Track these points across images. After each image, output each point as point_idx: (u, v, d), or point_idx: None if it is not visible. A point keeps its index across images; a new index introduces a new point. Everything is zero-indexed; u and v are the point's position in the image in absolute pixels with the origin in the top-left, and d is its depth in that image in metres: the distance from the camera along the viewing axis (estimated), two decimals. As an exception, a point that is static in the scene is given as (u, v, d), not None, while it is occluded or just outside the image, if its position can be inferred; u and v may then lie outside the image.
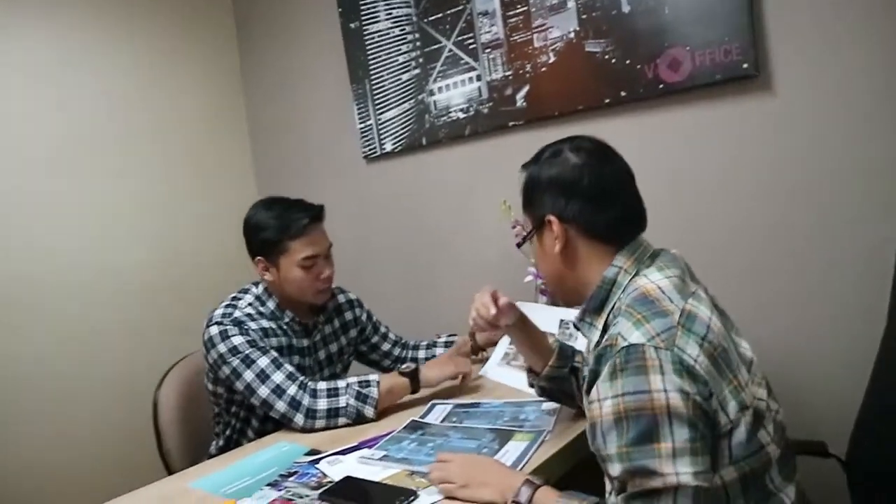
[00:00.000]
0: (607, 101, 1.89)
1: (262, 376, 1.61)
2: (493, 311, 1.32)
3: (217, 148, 2.93)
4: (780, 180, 1.68)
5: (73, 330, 2.43)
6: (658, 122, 1.84)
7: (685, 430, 0.88)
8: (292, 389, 1.60)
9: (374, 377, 1.65)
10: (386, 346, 2.04)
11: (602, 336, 1.07)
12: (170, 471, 1.83)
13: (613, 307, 1.06)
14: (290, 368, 1.64)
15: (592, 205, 1.09)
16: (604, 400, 0.93)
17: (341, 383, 1.63)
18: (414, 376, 1.69)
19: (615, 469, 0.92)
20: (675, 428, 0.88)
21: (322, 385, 1.63)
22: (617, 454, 0.91)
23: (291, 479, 1.34)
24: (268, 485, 1.32)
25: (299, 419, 1.59)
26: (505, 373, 1.83)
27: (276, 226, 1.70)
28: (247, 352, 1.63)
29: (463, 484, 1.16)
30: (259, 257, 1.73)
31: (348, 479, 1.27)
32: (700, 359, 0.92)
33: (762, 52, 1.64)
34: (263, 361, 1.62)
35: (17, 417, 2.28)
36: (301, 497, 1.25)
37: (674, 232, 1.82)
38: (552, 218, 1.11)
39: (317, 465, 1.39)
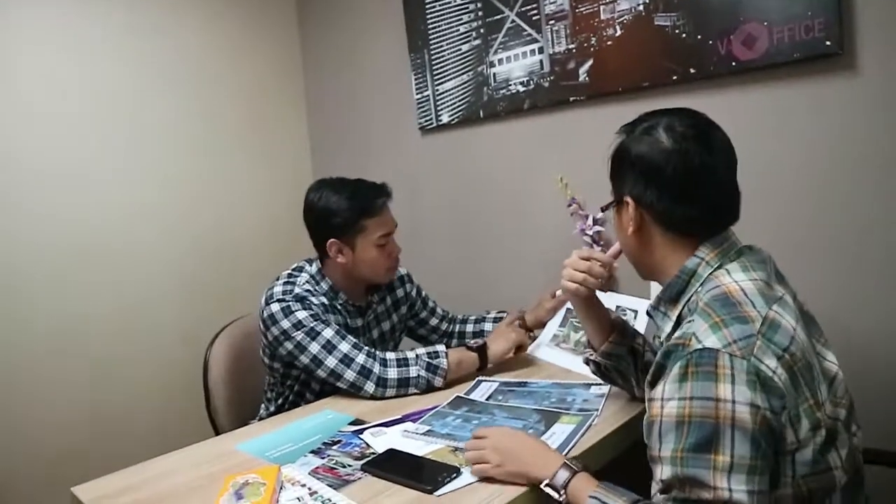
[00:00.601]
0: (675, 77, 1.81)
1: (329, 346, 1.61)
2: (607, 256, 1.24)
3: (274, 119, 2.94)
4: (865, 168, 1.56)
5: (132, 290, 2.50)
6: (729, 103, 1.74)
7: (747, 445, 0.84)
8: (361, 358, 1.60)
9: (441, 347, 1.67)
10: (434, 321, 2.03)
11: (675, 329, 1.03)
12: (216, 428, 1.87)
13: (690, 300, 1.02)
14: (353, 339, 1.64)
15: (673, 196, 1.03)
16: (668, 400, 0.90)
17: (410, 354, 1.64)
18: (482, 352, 1.69)
19: (666, 472, 0.88)
20: (736, 441, 0.85)
21: (391, 355, 1.63)
22: (671, 457, 0.88)
23: (335, 447, 1.35)
24: (311, 451, 1.33)
25: (370, 387, 1.59)
26: (554, 354, 1.80)
27: (353, 206, 1.69)
28: (311, 325, 1.63)
29: (497, 463, 1.12)
30: (333, 239, 1.71)
31: (391, 452, 1.27)
32: (779, 371, 0.88)
33: (847, 28, 1.53)
34: (329, 332, 1.62)
35: (79, 368, 2.36)
36: (344, 466, 1.25)
37: (748, 223, 1.75)
38: (629, 200, 1.08)
39: (360, 436, 1.39)
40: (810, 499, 0.90)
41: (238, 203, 2.81)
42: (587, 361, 1.41)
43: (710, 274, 1.01)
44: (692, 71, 1.77)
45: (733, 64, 1.70)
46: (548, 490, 1.05)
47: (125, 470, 1.33)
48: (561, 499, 1.03)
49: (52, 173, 2.31)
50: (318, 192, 1.73)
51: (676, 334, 0.97)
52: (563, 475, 1.05)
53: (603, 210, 1.17)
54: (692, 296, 1.01)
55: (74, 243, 2.36)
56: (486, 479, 1.13)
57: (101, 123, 2.43)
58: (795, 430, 0.88)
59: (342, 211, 1.69)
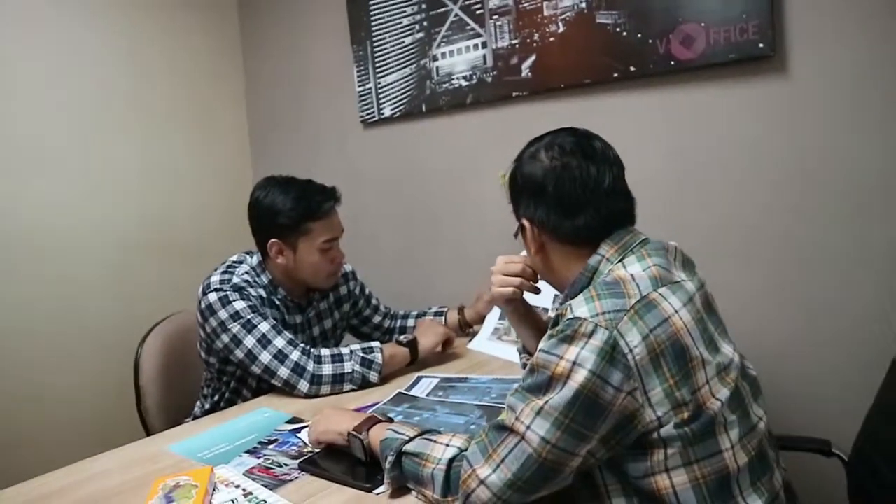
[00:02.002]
0: (615, 75, 1.83)
1: (264, 341, 1.56)
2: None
3: (211, 105, 2.85)
4: (791, 167, 1.62)
5: (58, 282, 2.38)
6: (667, 100, 1.78)
7: (565, 402, 0.91)
8: (295, 355, 1.56)
9: (375, 343, 1.65)
10: (377, 319, 2.01)
11: None
12: (147, 429, 1.81)
13: None
14: (289, 335, 1.60)
15: (558, 211, 1.08)
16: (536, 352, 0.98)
17: (345, 350, 1.61)
18: (413, 346, 1.69)
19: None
20: (558, 395, 0.91)
21: (325, 351, 1.60)
22: (514, 389, 0.98)
23: (271, 446, 1.31)
24: (247, 451, 1.29)
25: (303, 385, 1.55)
26: (495, 347, 1.81)
27: (299, 207, 1.63)
28: (248, 317, 1.58)
29: (322, 430, 1.23)
30: (274, 239, 1.65)
31: (329, 450, 1.24)
32: (637, 349, 0.91)
33: (779, 32, 1.58)
34: (265, 326, 1.58)
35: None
36: (280, 466, 1.22)
37: (675, 215, 1.79)
38: (525, 222, 1.13)
39: (298, 434, 1.36)
40: (711, 482, 0.94)
41: (171, 192, 2.71)
42: (524, 366, 1.43)
43: (610, 269, 1.05)
44: (632, 69, 1.80)
45: (672, 63, 1.73)
46: (352, 435, 1.16)
47: (49, 474, 1.26)
48: (363, 438, 1.14)
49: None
50: (265, 190, 1.67)
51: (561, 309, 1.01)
52: (367, 423, 1.17)
53: (515, 236, 1.20)
54: None
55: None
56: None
57: (16, 104, 2.28)
58: (653, 409, 0.91)
59: (287, 211, 1.63)
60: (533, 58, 1.99)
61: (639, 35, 1.77)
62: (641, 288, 0.97)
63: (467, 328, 1.98)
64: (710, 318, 1.06)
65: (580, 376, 0.90)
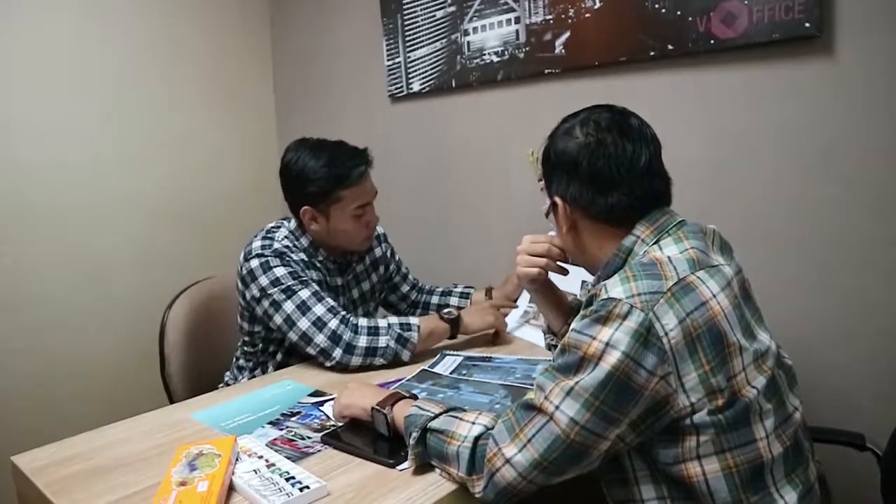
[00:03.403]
0: (652, 53, 1.78)
1: (303, 308, 1.55)
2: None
3: (239, 78, 2.83)
4: (833, 152, 1.56)
5: (84, 251, 2.40)
6: (705, 81, 1.73)
7: (598, 384, 0.89)
8: (333, 323, 1.54)
9: (414, 320, 1.61)
10: (405, 288, 1.99)
11: None
12: (170, 395, 1.81)
13: None
14: (331, 302, 1.58)
15: (591, 188, 1.05)
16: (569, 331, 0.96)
17: (382, 322, 1.58)
18: (455, 323, 1.65)
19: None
20: (588, 376, 0.89)
21: (363, 322, 1.57)
22: (543, 369, 0.97)
23: (294, 419, 1.31)
24: (269, 423, 1.29)
25: (337, 353, 1.53)
26: (523, 330, 1.78)
27: (330, 175, 1.60)
28: (289, 283, 1.56)
29: (346, 404, 1.22)
30: (307, 207, 1.63)
31: (352, 424, 1.23)
32: (673, 333, 0.89)
33: (828, 11, 1.52)
34: (305, 293, 1.56)
35: (25, 333, 2.26)
36: (303, 438, 1.21)
37: (710, 199, 1.74)
38: (558, 200, 1.11)
39: (320, 408, 1.35)
40: (745, 471, 0.91)
41: (198, 165, 2.70)
42: (549, 347, 1.43)
43: (646, 250, 1.02)
44: (670, 47, 1.75)
45: (712, 42, 1.67)
46: (376, 410, 1.15)
47: (71, 438, 1.27)
48: (387, 413, 1.13)
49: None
50: (296, 154, 1.64)
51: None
52: (391, 398, 1.16)
53: (546, 215, 1.17)
54: None
55: (21, 202, 2.24)
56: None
57: (48, 77, 2.29)
58: (687, 394, 0.89)
59: (318, 179, 1.60)
60: (567, 34, 1.94)
61: (678, 12, 1.71)
62: (679, 270, 0.94)
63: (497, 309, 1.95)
64: (747, 305, 1.03)
65: (613, 358, 0.88)
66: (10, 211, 2.22)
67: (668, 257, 0.97)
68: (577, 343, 0.92)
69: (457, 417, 1.05)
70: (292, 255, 1.62)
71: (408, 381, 1.46)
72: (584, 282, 1.75)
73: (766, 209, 1.67)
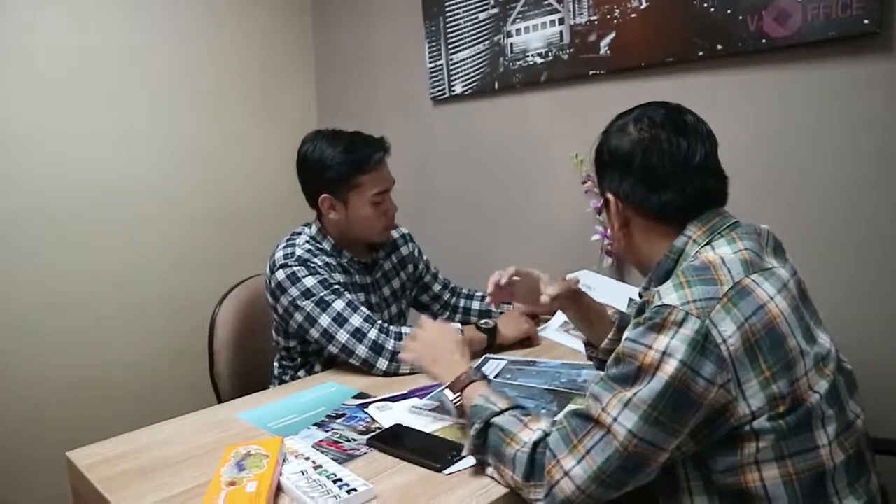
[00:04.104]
0: (701, 54, 1.74)
1: (340, 319, 1.54)
2: (492, 281, 1.39)
3: (280, 79, 2.87)
4: (891, 154, 1.51)
5: (127, 251, 2.45)
6: (756, 81, 1.68)
7: (653, 394, 0.87)
8: (373, 333, 1.54)
9: (457, 326, 1.61)
10: (437, 288, 1.98)
11: None
12: (218, 393, 1.83)
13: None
14: (366, 311, 1.58)
15: (646, 184, 1.04)
16: (621, 341, 0.95)
17: None
18: (492, 333, 1.65)
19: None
20: (646, 386, 0.87)
21: (406, 329, 1.57)
22: (597, 379, 0.96)
23: (339, 420, 1.31)
24: (315, 424, 1.29)
25: (382, 363, 1.53)
26: (562, 338, 1.76)
27: (348, 160, 1.61)
28: (321, 294, 1.56)
29: (416, 356, 1.27)
30: (325, 195, 1.64)
31: (398, 428, 1.23)
32: (732, 340, 0.86)
33: (888, 7, 1.47)
34: (339, 304, 1.56)
35: (71, 333, 2.32)
36: (348, 440, 1.21)
37: (761, 203, 1.70)
38: (610, 197, 1.09)
39: (365, 410, 1.35)
40: (805, 479, 0.89)
41: (241, 164, 2.74)
42: (590, 358, 1.41)
43: (698, 251, 1.00)
44: (719, 47, 1.71)
45: (763, 41, 1.63)
46: (447, 392, 1.18)
47: (123, 436, 1.29)
48: (455, 400, 1.16)
49: (39, 133, 2.22)
50: (313, 144, 1.65)
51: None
52: (462, 382, 1.16)
53: (598, 213, 1.15)
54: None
55: (65, 204, 2.29)
56: None
57: (91, 79, 2.34)
58: (747, 402, 0.87)
59: (336, 164, 1.61)
60: (612, 35, 1.91)
61: (728, 11, 1.68)
62: (733, 273, 0.92)
63: (535, 317, 1.93)
64: (805, 307, 1.00)
65: (670, 367, 0.86)
66: (58, 213, 2.28)
67: (722, 259, 0.95)
68: (632, 353, 0.90)
69: (520, 420, 1.03)
70: (316, 260, 1.61)
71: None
72: (631, 300, 1.73)
73: (820, 212, 1.62)
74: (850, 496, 0.91)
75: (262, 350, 1.90)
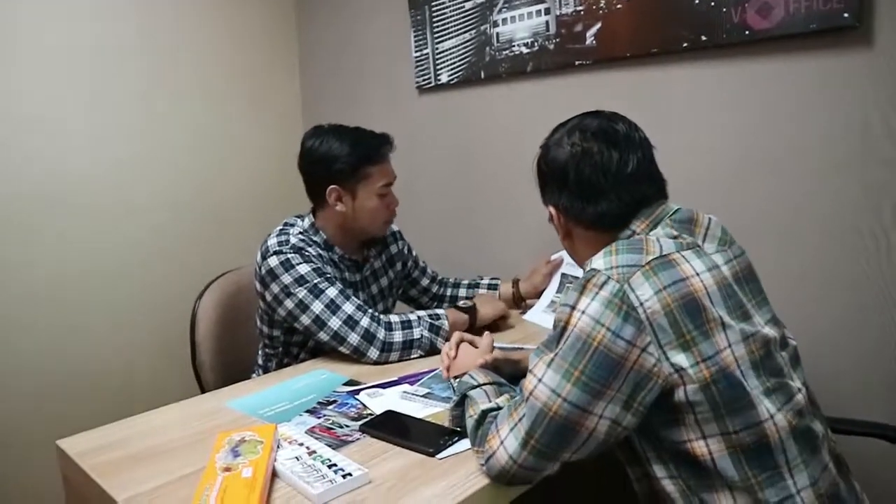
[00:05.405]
0: (685, 45, 1.76)
1: (333, 307, 1.54)
2: (445, 364, 1.39)
3: (264, 68, 2.84)
4: (875, 148, 1.54)
5: (111, 241, 2.42)
6: (739, 73, 1.71)
7: (576, 353, 0.91)
8: (365, 321, 1.55)
9: (440, 311, 1.65)
10: (425, 282, 2.00)
11: None
12: (201, 384, 1.83)
13: None
14: (357, 301, 1.59)
15: (581, 198, 1.08)
16: None
17: (412, 316, 1.61)
18: (472, 312, 1.68)
19: None
20: (566, 346, 0.92)
21: (395, 318, 1.59)
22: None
23: (330, 407, 1.32)
24: (306, 411, 1.30)
25: (373, 353, 1.54)
26: (549, 319, 1.78)
27: (357, 152, 1.63)
28: (315, 281, 1.56)
29: (448, 365, 1.37)
30: (334, 186, 1.64)
31: (390, 413, 1.24)
32: (649, 303, 0.90)
33: (866, 1, 1.50)
34: (332, 292, 1.56)
35: (57, 324, 2.30)
36: (341, 427, 1.22)
37: (737, 190, 1.73)
38: (551, 209, 1.14)
39: (356, 396, 1.36)
40: (751, 451, 0.91)
41: (224, 155, 2.72)
42: None
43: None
44: (703, 38, 1.73)
45: (746, 33, 1.66)
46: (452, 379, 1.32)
47: (113, 424, 1.29)
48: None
49: (28, 123, 2.19)
50: (319, 138, 1.66)
51: None
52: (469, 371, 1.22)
53: (549, 221, 1.19)
54: None
55: (51, 194, 2.26)
56: None
57: (79, 69, 2.31)
58: (670, 361, 0.89)
59: (345, 156, 1.62)
60: (598, 25, 1.93)
61: (712, 3, 1.70)
62: (664, 248, 0.97)
63: (521, 302, 1.96)
64: (746, 288, 1.04)
65: (587, 325, 0.91)
66: (43, 207, 2.24)
67: (657, 238, 1.00)
68: (558, 315, 0.96)
69: (487, 394, 1.10)
70: (310, 249, 1.62)
71: (439, 371, 1.46)
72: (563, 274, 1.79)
73: (799, 202, 1.66)
74: (803, 470, 0.93)
75: (245, 341, 1.90)
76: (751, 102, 1.71)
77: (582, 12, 1.95)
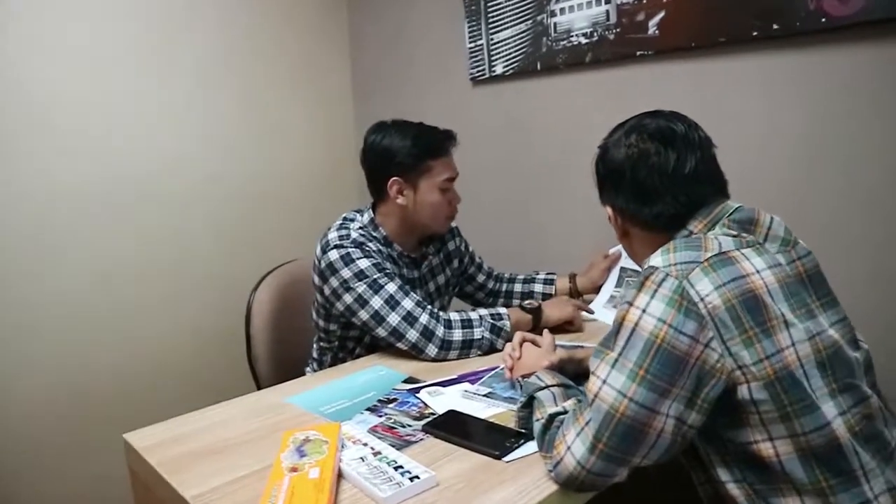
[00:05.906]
0: (755, 34, 1.69)
1: (392, 302, 1.53)
2: (508, 364, 1.36)
3: (316, 61, 2.84)
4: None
5: (169, 233, 2.45)
6: (815, 63, 1.63)
7: (637, 351, 0.89)
8: (424, 318, 1.53)
9: (503, 310, 1.62)
10: (481, 278, 1.97)
11: None
12: (256, 378, 1.84)
13: None
14: (416, 296, 1.57)
15: (637, 199, 1.07)
16: None
17: (474, 315, 1.58)
18: (537, 314, 1.64)
19: None
20: (629, 345, 0.91)
21: (455, 315, 1.57)
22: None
23: (391, 405, 1.30)
24: (367, 409, 1.29)
25: (432, 349, 1.52)
26: (610, 315, 1.74)
27: (419, 145, 1.62)
28: (374, 276, 1.55)
29: (512, 366, 1.34)
30: (395, 178, 1.63)
31: (453, 413, 1.22)
32: (709, 298, 0.88)
33: (958, -16, 1.41)
34: (392, 287, 1.55)
35: (115, 314, 2.33)
36: (403, 426, 1.20)
37: (808, 189, 1.66)
38: (608, 209, 1.14)
39: (417, 395, 1.34)
40: (821, 454, 0.88)
41: (276, 148, 2.73)
42: None
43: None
44: (775, 27, 1.66)
45: (823, 20, 1.58)
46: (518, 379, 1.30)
47: (177, 419, 1.30)
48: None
49: (85, 115, 2.22)
50: (381, 133, 1.66)
51: None
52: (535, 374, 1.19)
53: (609, 220, 1.17)
54: None
55: (110, 187, 2.29)
56: None
57: (134, 63, 2.33)
58: (734, 357, 0.88)
59: (408, 149, 1.61)
60: (662, 14, 1.86)
61: (785, -11, 1.63)
62: (723, 245, 0.95)
63: (578, 297, 1.91)
64: (811, 288, 1.00)
65: (649, 324, 0.89)
66: (100, 196, 2.27)
67: (716, 236, 0.98)
68: (619, 313, 0.94)
69: (555, 396, 1.08)
70: (370, 245, 1.61)
71: (501, 369, 1.43)
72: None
73: (879, 198, 1.58)
74: (879, 475, 0.89)
75: (299, 334, 1.90)
76: (826, 96, 1.63)
77: (644, 1, 1.89)
